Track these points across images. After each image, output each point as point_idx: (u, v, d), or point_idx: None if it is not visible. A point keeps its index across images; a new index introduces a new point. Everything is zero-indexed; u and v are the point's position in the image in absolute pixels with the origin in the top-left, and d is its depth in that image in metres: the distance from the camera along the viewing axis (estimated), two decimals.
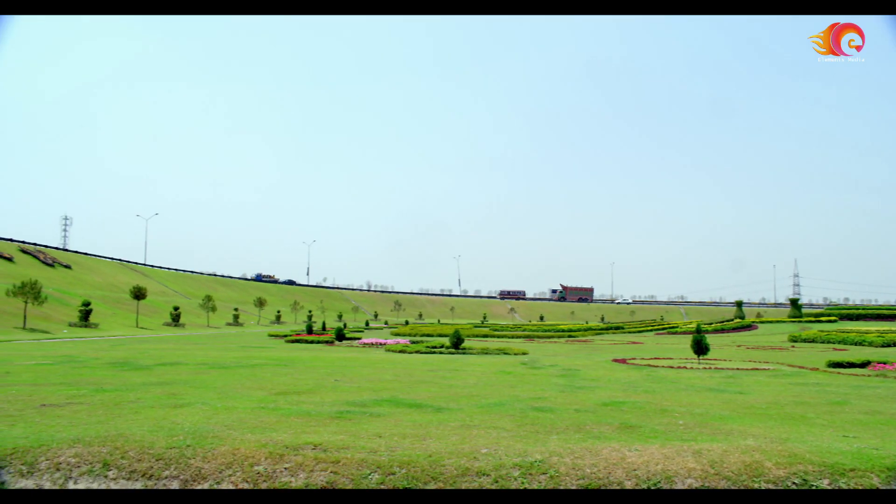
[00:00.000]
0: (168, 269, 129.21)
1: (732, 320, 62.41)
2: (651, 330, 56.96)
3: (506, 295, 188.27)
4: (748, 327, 55.38)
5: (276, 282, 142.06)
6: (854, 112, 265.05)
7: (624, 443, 6.54)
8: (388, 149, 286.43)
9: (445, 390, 11.30)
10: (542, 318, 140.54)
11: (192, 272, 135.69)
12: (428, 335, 41.69)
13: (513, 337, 42.37)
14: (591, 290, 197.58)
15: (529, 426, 7.63)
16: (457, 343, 24.42)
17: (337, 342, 31.65)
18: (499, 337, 42.30)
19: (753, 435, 7.08)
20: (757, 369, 16.43)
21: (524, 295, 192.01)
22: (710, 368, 16.59)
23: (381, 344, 29.35)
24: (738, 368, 16.61)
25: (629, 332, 54.87)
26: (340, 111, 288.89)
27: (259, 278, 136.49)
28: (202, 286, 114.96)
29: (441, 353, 23.67)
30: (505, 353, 23.01)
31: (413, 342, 29.88)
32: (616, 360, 19.36)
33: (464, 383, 12.55)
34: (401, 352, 24.60)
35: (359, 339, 33.77)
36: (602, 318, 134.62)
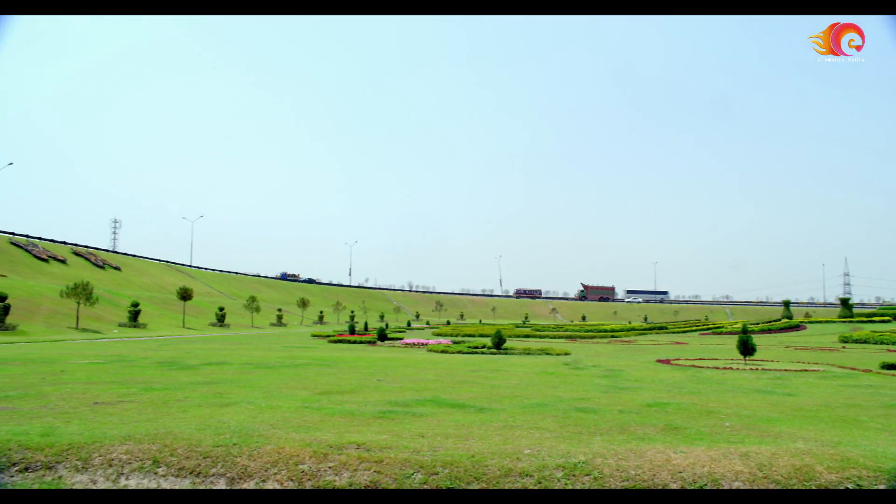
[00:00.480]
0: (213, 270, 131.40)
1: (780, 320, 61.15)
2: (695, 330, 56.09)
3: (521, 293, 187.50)
4: (796, 327, 54.19)
5: (298, 280, 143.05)
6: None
7: (669, 444, 6.46)
8: (428, 148, 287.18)
9: (488, 390, 11.29)
10: (584, 318, 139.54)
11: (236, 273, 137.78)
12: (469, 335, 41.66)
13: (554, 337, 42.10)
14: (612, 290, 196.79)
15: (572, 427, 7.58)
16: (498, 343, 24.37)
17: (379, 342, 31.83)
18: (540, 337, 42.09)
19: (803, 438, 6.93)
20: (806, 370, 16.07)
21: (540, 294, 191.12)
22: (756, 369, 16.27)
23: (422, 344, 29.42)
24: (786, 370, 16.28)
25: (673, 333, 54.09)
26: (377, 111, 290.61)
27: (283, 277, 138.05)
28: (246, 287, 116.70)
29: (483, 353, 23.64)
30: (547, 354, 22.89)
31: (455, 342, 29.90)
32: (660, 361, 19.12)
33: (506, 384, 12.51)
34: (442, 352, 24.64)
35: (401, 339, 33.89)
36: (645, 318, 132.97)
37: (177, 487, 5.87)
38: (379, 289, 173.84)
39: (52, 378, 12.82)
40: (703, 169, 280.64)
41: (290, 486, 5.73)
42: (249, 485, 5.82)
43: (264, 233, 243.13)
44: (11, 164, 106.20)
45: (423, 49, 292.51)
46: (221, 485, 5.86)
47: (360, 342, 32.56)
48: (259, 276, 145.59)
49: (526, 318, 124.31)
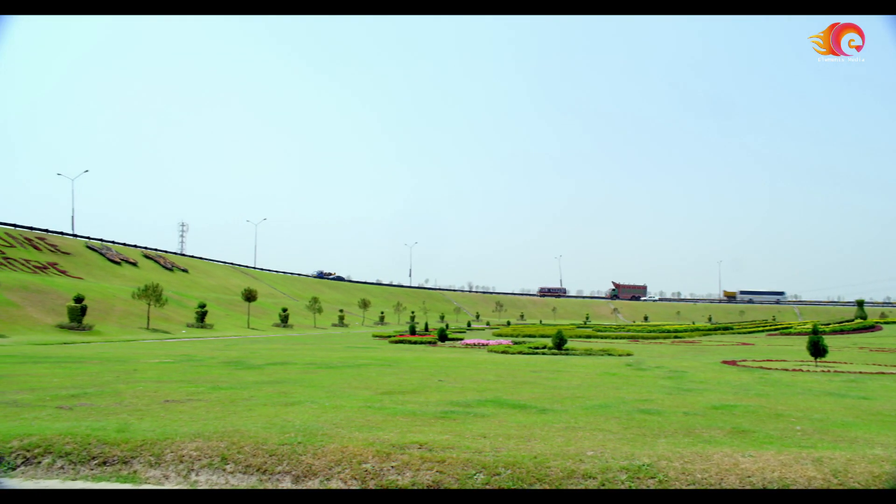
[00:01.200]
0: (276, 272, 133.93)
1: (853, 320, 58.87)
2: (762, 330, 54.55)
3: (545, 292, 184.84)
4: (871, 328, 52.12)
5: (333, 277, 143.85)
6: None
7: (736, 448, 6.31)
8: (489, 148, 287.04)
9: (549, 391, 11.22)
10: (646, 319, 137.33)
11: (298, 275, 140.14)
12: (530, 336, 41.44)
13: (616, 338, 41.55)
14: (643, 288, 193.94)
15: (636, 429, 7.48)
16: (559, 344, 24.18)
17: (439, 343, 31.94)
18: (602, 337, 41.58)
19: (881, 444, 6.67)
20: (882, 373, 15.46)
21: (565, 292, 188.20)
22: (828, 371, 15.74)
23: (483, 345, 29.41)
24: (860, 372, 15.69)
25: (738, 333, 52.74)
26: (439, 115, 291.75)
27: (320, 275, 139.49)
28: (308, 288, 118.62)
29: (543, 353, 23.50)
30: (609, 354, 22.61)
31: (515, 343, 29.79)
32: (725, 362, 18.66)
33: (567, 384, 12.42)
34: (503, 352, 24.58)
35: (461, 339, 33.93)
36: (709, 319, 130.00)
37: (243, 484, 6.02)
38: (439, 289, 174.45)
39: (125, 376, 13.29)
40: (757, 166, 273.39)
41: (354, 484, 5.82)
42: (314, 483, 5.92)
43: (325, 234, 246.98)
44: (87, 171, 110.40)
45: (487, 50, 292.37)
46: (287, 482, 5.98)
47: (421, 342, 32.71)
48: (321, 276, 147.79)
49: (587, 318, 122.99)
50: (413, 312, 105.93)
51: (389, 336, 39.77)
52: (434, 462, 5.94)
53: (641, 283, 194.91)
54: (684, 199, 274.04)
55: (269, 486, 5.96)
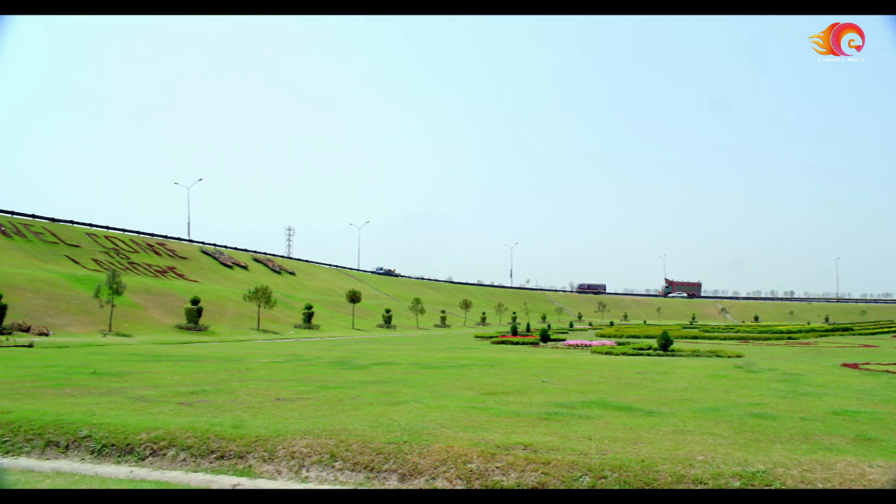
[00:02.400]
0: (378, 273, 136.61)
1: None
2: (887, 332, 51.22)
3: (585, 288, 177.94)
4: None
5: (384, 272, 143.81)
6: None
7: (862, 457, 5.96)
8: (589, 145, 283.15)
9: (655, 393, 10.95)
10: (756, 319, 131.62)
11: (400, 276, 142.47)
12: (634, 336, 40.54)
13: (724, 338, 39.99)
14: (698, 286, 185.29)
15: (749, 433, 7.18)
16: (665, 345, 23.55)
17: (542, 343, 31.71)
18: (709, 338, 40.15)
19: None
20: None
21: (604, 289, 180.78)
22: None
23: (586, 345, 29.00)
24: None
25: (859, 334, 49.70)
26: (542, 117, 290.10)
27: (379, 271, 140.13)
28: (410, 289, 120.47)
29: (649, 354, 22.94)
30: (717, 356, 21.83)
31: (619, 343, 29.22)
32: (846, 365, 17.64)
33: (674, 386, 12.07)
34: (607, 353, 24.16)
35: (563, 340, 33.57)
36: (826, 319, 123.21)
37: (351, 481, 6.18)
38: (540, 290, 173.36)
39: (239, 375, 13.90)
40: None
41: (459, 484, 5.86)
42: (420, 482, 6.01)
43: (428, 235, 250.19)
44: (201, 179, 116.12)
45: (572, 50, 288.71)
46: (393, 480, 6.09)
47: (523, 343, 32.58)
48: (422, 278, 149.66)
49: (693, 318, 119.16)
50: (514, 313, 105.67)
51: (491, 337, 39.80)
52: (539, 463, 5.91)
53: (696, 280, 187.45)
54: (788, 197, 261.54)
55: (376, 484, 6.09)
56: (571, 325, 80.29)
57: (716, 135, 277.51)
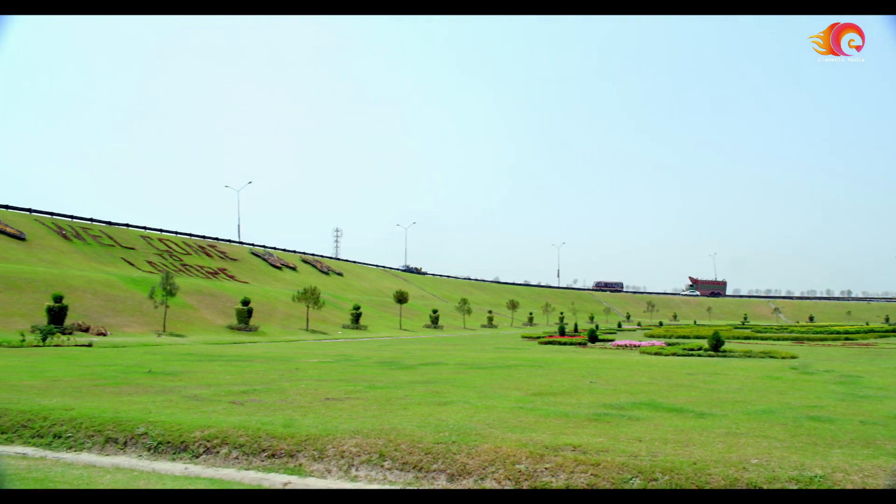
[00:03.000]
0: (426, 274, 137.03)
1: None
2: None
3: (602, 286, 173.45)
4: None
5: (413, 270, 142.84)
6: None
7: None
8: (637, 148, 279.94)
9: (706, 395, 10.76)
10: (811, 319, 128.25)
11: (447, 276, 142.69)
12: (684, 337, 39.90)
13: (778, 339, 39.08)
14: (723, 284, 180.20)
15: (805, 437, 7.00)
16: (716, 345, 23.12)
17: (589, 344, 31.43)
18: (762, 339, 39.27)
19: None
20: None
21: (622, 287, 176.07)
22: None
23: (634, 346, 28.64)
24: None
25: None
26: (582, 116, 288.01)
27: (406, 269, 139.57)
28: (457, 289, 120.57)
29: (699, 355, 22.56)
30: (771, 357, 21.33)
31: (668, 344, 28.80)
32: None
33: (726, 388, 11.85)
34: (656, 354, 23.83)
35: (611, 340, 33.22)
36: (886, 319, 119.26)
37: (400, 481, 6.21)
38: (588, 290, 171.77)
39: (288, 375, 14.10)
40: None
41: (508, 485, 5.85)
42: (468, 482, 6.01)
43: (474, 236, 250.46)
44: (250, 182, 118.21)
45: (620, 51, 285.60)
46: (442, 480, 6.11)
47: (571, 343, 32.34)
48: (469, 278, 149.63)
49: (745, 318, 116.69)
50: (562, 313, 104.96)
51: (538, 337, 39.61)
52: (588, 465, 5.86)
53: (721, 279, 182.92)
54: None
55: (424, 483, 6.12)
56: (619, 326, 79.41)
57: (762, 135, 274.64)
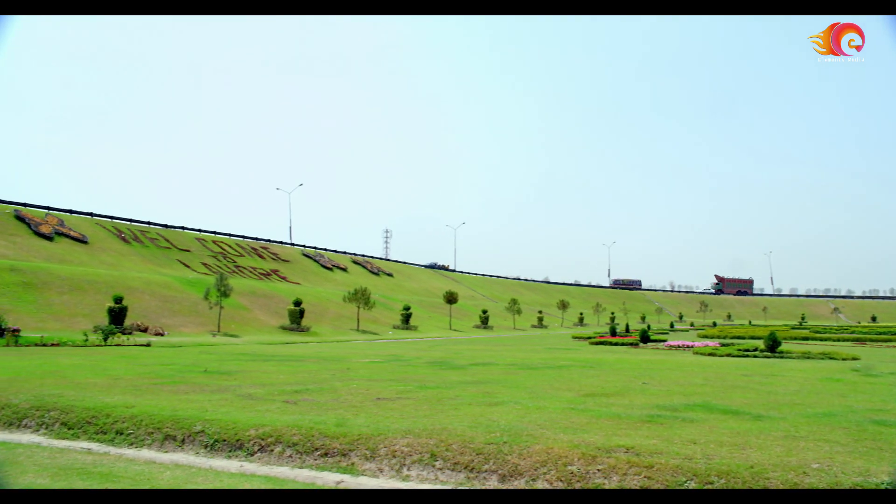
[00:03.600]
0: (475, 274, 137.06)
1: None
2: None
3: (619, 284, 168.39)
4: None
5: (448, 269, 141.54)
6: None
7: None
8: (691, 144, 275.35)
9: (763, 397, 10.51)
10: (873, 319, 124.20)
11: (497, 277, 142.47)
12: (739, 337, 39.10)
13: (838, 339, 37.97)
14: (750, 282, 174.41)
15: (869, 442, 6.77)
16: (773, 346, 22.58)
17: (641, 344, 31.04)
18: (821, 339, 38.23)
19: None
20: None
21: (640, 285, 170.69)
22: None
23: (687, 346, 28.16)
24: None
25: None
26: (632, 114, 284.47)
27: (433, 266, 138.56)
28: (507, 290, 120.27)
29: (755, 356, 22.06)
30: (830, 358, 20.74)
31: (723, 344, 28.24)
32: None
33: (784, 390, 11.55)
34: (710, 354, 23.39)
35: (663, 341, 32.74)
36: None
37: (451, 481, 6.22)
38: (639, 289, 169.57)
39: (340, 374, 14.24)
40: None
41: (560, 486, 5.81)
42: (520, 483, 5.99)
43: (524, 236, 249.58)
44: (301, 185, 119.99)
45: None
46: (493, 481, 6.10)
47: (622, 344, 32.00)
48: (519, 278, 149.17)
49: (802, 318, 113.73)
50: (613, 313, 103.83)
51: (589, 337, 39.28)
52: (642, 467, 5.78)
53: (748, 277, 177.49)
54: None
55: (476, 484, 6.11)
56: (672, 326, 78.22)
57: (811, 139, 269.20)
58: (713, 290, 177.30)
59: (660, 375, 14.29)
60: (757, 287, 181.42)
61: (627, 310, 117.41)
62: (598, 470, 5.87)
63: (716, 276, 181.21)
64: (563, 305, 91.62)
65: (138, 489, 6.18)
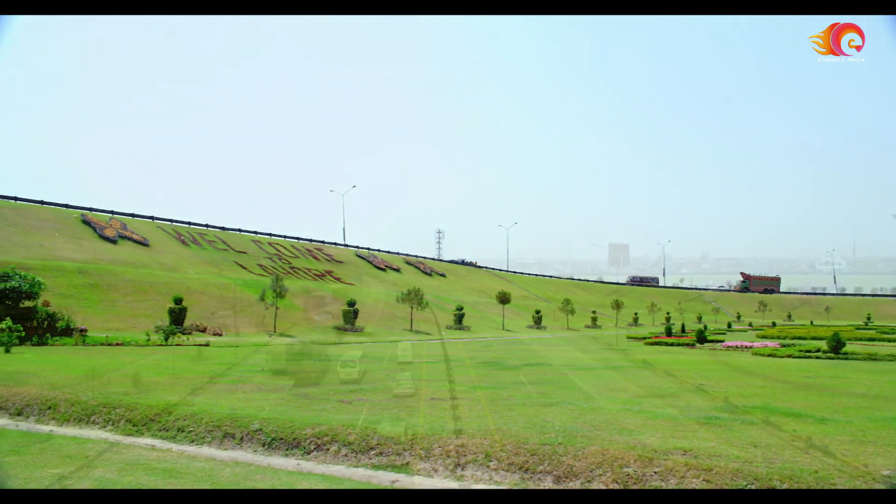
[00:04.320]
0: (529, 274, 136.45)
1: None
2: None
3: (637, 281, 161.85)
4: None
5: (473, 265, 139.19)
6: None
7: None
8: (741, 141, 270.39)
9: (826, 399, 10.21)
10: None
11: (550, 277, 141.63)
12: (799, 338, 38.04)
13: None
14: (777, 280, 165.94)
15: None
16: (836, 347, 21.89)
17: (698, 344, 30.42)
18: (888, 340, 36.92)
19: None
20: None
21: (657, 282, 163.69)
22: None
23: (745, 347, 27.51)
24: None
25: None
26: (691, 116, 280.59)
27: (462, 262, 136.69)
28: (560, 290, 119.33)
29: (817, 357, 21.44)
30: None
31: (783, 345, 27.51)
32: None
33: (849, 392, 11.22)
34: (769, 355, 22.81)
35: (721, 341, 32.04)
36: None
37: (506, 481, 6.21)
38: (695, 289, 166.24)
39: (394, 374, 14.33)
40: None
41: (615, 488, 5.75)
42: (575, 484, 5.95)
43: (574, 237, 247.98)
44: (354, 186, 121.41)
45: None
46: (548, 482, 6.07)
47: (678, 344, 31.43)
48: (572, 278, 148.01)
49: (868, 318, 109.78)
50: (668, 313, 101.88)
51: (644, 338, 38.71)
52: (700, 470, 5.68)
53: (774, 275, 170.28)
54: None
55: (530, 484, 6.09)
56: (729, 326, 76.47)
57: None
58: (739, 288, 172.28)
59: (717, 376, 14.03)
60: (819, 287, 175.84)
61: (683, 310, 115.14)
62: (655, 472, 5.79)
63: (742, 273, 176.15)
64: (617, 305, 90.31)
65: (142, 490, 6.26)
